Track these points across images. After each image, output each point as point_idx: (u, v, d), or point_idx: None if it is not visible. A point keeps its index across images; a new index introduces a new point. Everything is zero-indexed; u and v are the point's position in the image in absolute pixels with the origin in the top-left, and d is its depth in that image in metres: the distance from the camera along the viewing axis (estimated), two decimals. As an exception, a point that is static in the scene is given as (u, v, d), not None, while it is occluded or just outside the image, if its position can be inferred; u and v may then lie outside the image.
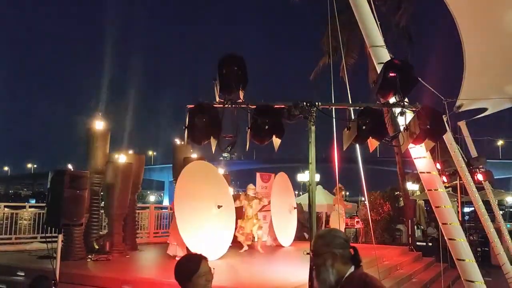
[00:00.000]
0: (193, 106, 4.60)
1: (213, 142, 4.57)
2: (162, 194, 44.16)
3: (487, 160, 15.68)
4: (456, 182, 15.15)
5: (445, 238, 4.85)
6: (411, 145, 4.74)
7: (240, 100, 4.59)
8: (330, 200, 15.18)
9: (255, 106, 4.62)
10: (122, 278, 7.25)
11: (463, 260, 4.70)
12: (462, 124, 12.84)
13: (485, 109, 10.67)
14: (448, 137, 10.07)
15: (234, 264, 9.33)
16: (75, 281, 7.23)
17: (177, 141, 13.06)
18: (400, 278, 9.77)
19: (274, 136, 4.61)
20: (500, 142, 33.25)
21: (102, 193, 10.19)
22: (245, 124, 4.65)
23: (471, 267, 4.69)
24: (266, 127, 4.55)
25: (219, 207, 9.33)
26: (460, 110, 9.61)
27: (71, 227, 6.54)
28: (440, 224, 4.94)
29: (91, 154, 9.87)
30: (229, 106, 4.57)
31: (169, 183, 36.00)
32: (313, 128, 4.68)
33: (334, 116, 4.92)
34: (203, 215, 9.18)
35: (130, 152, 11.17)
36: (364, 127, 4.52)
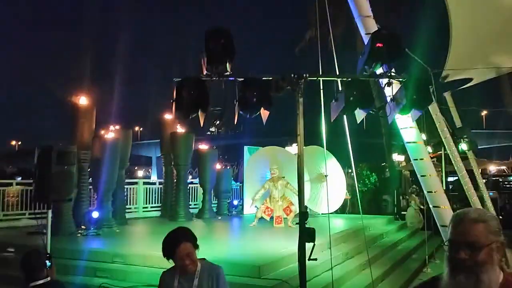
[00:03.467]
0: (180, 79, 4.57)
1: (201, 116, 4.55)
2: (150, 170, 44.08)
3: (471, 130, 15.96)
4: (440, 152, 15.42)
5: (430, 205, 4.98)
6: (398, 115, 4.80)
7: (228, 73, 4.57)
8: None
9: (242, 79, 4.61)
10: (113, 251, 7.33)
11: (447, 226, 4.84)
12: (447, 95, 13.00)
13: (470, 79, 10.79)
14: (433, 108, 10.20)
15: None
16: (66, 256, 7.27)
17: (165, 116, 13.00)
18: (385, 246, 10.05)
19: (262, 109, 4.61)
20: (484, 113, 33.70)
21: (89, 169, 10.16)
22: (233, 97, 4.64)
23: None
24: (254, 99, 4.55)
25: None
26: (446, 81, 9.70)
27: (60, 202, 6.52)
28: (425, 192, 5.06)
29: (76, 130, 9.77)
30: (217, 79, 4.54)
31: (157, 158, 35.86)
32: (301, 100, 4.70)
33: (322, 88, 4.93)
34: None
35: (117, 127, 11.08)
36: (351, 98, 4.55)
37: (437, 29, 8.25)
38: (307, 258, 4.51)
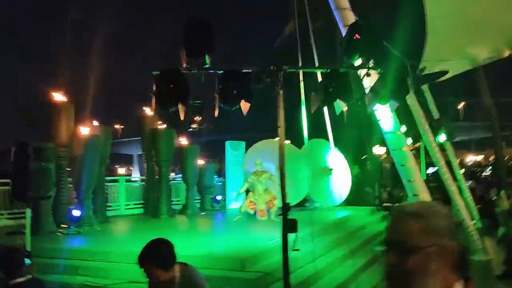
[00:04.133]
0: (159, 72, 4.53)
1: (181, 109, 4.53)
2: (131, 168, 43.58)
3: (449, 123, 16.29)
4: (419, 144, 15.70)
5: (409, 194, 5.07)
6: (376, 106, 4.86)
7: (207, 66, 4.55)
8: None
9: (222, 71, 4.60)
10: (94, 249, 7.24)
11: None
12: (425, 87, 13.21)
13: (446, 72, 10.98)
14: (411, 100, 10.38)
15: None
16: (46, 255, 7.15)
17: (145, 113, 12.87)
18: (367, 236, 10.18)
19: (242, 101, 4.62)
20: (461, 105, 34.37)
21: (69, 168, 10.00)
22: (213, 89, 4.63)
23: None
24: (234, 92, 4.55)
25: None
26: (423, 73, 9.86)
27: (39, 200, 6.40)
28: (404, 181, 5.14)
29: (55, 127, 9.59)
30: (196, 71, 4.52)
31: (138, 156, 35.47)
32: (281, 92, 4.72)
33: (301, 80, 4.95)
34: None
35: (96, 124, 10.92)
36: (330, 90, 4.59)
37: (413, 22, 8.38)
38: (290, 249, 4.56)
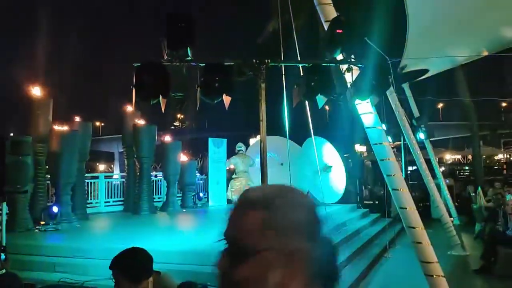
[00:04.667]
0: (140, 64, 4.47)
1: (163, 101, 4.48)
2: (112, 165, 43.10)
3: (429, 122, 16.57)
4: (399, 142, 15.90)
5: (389, 188, 5.12)
6: (357, 100, 4.90)
7: (189, 58, 4.51)
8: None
9: (204, 64, 4.57)
10: (73, 246, 7.11)
11: (405, 208, 5.00)
12: (405, 86, 13.39)
13: (426, 70, 11.15)
14: (393, 98, 10.51)
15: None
16: (23, 251, 7.01)
17: (126, 108, 12.72)
18: (348, 233, 10.26)
19: (224, 94, 4.59)
20: (440, 105, 35.01)
21: (48, 165, 9.81)
22: (195, 82, 4.59)
23: (412, 214, 5.00)
24: (216, 84, 4.52)
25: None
26: (404, 71, 9.98)
27: (15, 195, 6.25)
28: (385, 176, 5.19)
29: (33, 122, 9.39)
30: (178, 64, 4.48)
31: (119, 154, 35.09)
32: (263, 85, 4.71)
33: (283, 73, 4.96)
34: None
35: (76, 119, 10.73)
36: (312, 84, 4.61)
37: (395, 20, 8.47)
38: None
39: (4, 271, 3.51)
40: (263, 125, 4.68)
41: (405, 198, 5.02)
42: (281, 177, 12.10)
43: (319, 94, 4.67)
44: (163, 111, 4.48)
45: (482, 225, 11.57)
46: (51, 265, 6.59)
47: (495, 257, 8.28)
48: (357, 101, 4.96)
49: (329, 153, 14.77)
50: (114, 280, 2.67)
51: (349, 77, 4.83)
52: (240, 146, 10.99)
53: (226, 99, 4.59)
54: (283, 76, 5.04)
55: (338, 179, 14.44)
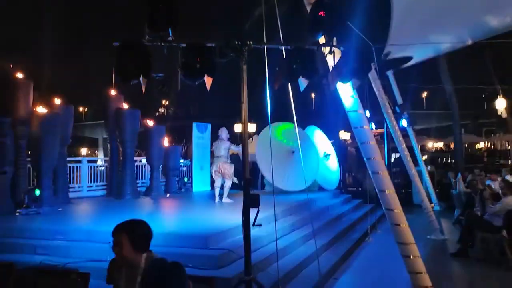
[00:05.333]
0: (119, 43, 4.41)
1: (143, 82, 4.43)
2: (96, 152, 42.69)
3: (412, 111, 16.80)
4: (382, 130, 16.04)
5: (369, 172, 5.19)
6: (339, 84, 4.93)
7: (170, 38, 4.46)
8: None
9: (185, 45, 4.52)
10: (54, 228, 7.07)
11: (384, 191, 5.08)
12: (390, 73, 13.50)
13: (410, 58, 11.23)
14: (376, 85, 10.58)
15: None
16: (2, 234, 6.95)
17: (110, 92, 12.57)
18: (330, 218, 10.41)
19: (206, 75, 4.56)
20: (424, 95, 35.42)
21: (30, 149, 9.68)
22: (176, 63, 4.55)
23: (391, 197, 5.09)
24: (198, 65, 4.48)
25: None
26: (388, 58, 10.03)
27: (-6, 176, 6.16)
28: (365, 159, 5.26)
29: (12, 106, 9.21)
30: (159, 43, 4.43)
31: (103, 140, 34.74)
32: (244, 67, 4.70)
33: (266, 56, 4.95)
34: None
35: (57, 102, 10.55)
36: (294, 66, 4.61)
37: (379, 6, 8.49)
38: (251, 224, 4.59)
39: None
40: (244, 107, 4.67)
41: (384, 181, 5.09)
42: (292, 165, 12.27)
43: (300, 77, 4.68)
44: (143, 91, 4.44)
45: (460, 211, 11.85)
46: (31, 247, 6.56)
47: (472, 241, 8.50)
48: (338, 84, 4.99)
49: (324, 141, 15.00)
50: (114, 244, 2.80)
51: (331, 60, 4.83)
52: (220, 131, 11.07)
53: (208, 80, 4.56)
54: (265, 58, 5.04)
55: (334, 166, 14.84)
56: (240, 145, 10.39)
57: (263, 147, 12.03)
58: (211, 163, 11.26)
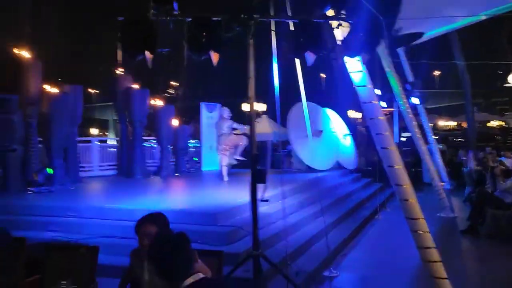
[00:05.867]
0: (125, 18, 4.36)
1: (149, 57, 4.39)
2: (107, 133, 42.98)
3: (424, 90, 16.51)
4: (393, 109, 15.87)
5: (377, 147, 5.13)
6: (347, 58, 4.83)
7: (175, 12, 4.40)
8: (275, 128, 15.47)
9: (190, 19, 4.45)
10: (65, 205, 7.16)
11: (393, 166, 5.03)
12: (401, 50, 13.22)
13: (422, 34, 10.97)
14: (387, 63, 10.39)
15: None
16: (14, 212, 7.06)
17: (119, 73, 12.58)
18: (340, 196, 10.42)
19: (212, 51, 4.50)
20: (436, 73, 34.82)
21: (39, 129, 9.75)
22: (182, 38, 4.50)
23: (399, 172, 5.03)
24: (203, 40, 4.42)
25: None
26: (398, 34, 9.81)
27: (5, 154, 6.23)
28: (373, 135, 5.19)
29: (22, 85, 9.25)
30: (164, 18, 4.37)
31: (113, 121, 34.90)
32: (251, 41, 4.63)
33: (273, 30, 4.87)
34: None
35: (66, 84, 10.59)
36: (301, 40, 4.52)
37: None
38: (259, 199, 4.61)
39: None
40: (251, 83, 4.63)
41: (393, 156, 5.03)
42: (320, 144, 12.35)
43: (307, 51, 4.59)
44: (149, 66, 4.40)
45: (471, 188, 11.75)
46: (43, 224, 6.66)
47: (483, 218, 8.43)
48: (346, 59, 4.90)
49: (339, 121, 14.91)
50: (143, 236, 2.87)
51: (338, 34, 4.74)
52: (222, 110, 11.09)
53: (214, 56, 4.50)
54: (272, 32, 4.95)
55: (351, 146, 14.89)
56: (243, 125, 10.43)
57: (296, 126, 12.14)
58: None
